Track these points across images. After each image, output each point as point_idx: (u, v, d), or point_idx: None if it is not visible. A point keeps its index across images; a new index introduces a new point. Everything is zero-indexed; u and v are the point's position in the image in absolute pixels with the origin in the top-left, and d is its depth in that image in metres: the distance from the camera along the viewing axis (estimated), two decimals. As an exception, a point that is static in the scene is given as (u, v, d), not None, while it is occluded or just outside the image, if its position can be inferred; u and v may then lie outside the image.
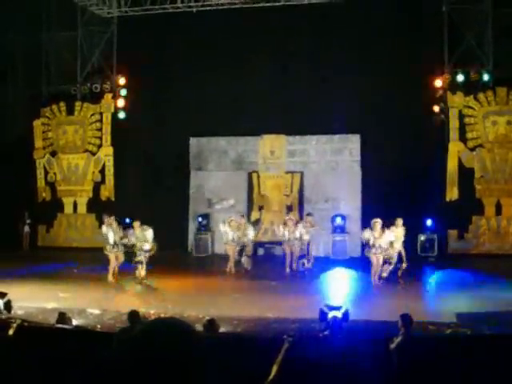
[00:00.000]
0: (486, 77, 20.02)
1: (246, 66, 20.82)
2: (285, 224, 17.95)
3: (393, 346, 9.55)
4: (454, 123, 20.32)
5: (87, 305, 13.84)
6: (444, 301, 14.20)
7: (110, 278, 16.61)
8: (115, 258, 16.59)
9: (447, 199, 20.15)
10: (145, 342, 1.83)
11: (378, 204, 19.03)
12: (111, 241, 16.62)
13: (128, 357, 1.83)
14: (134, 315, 9.74)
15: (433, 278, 17.11)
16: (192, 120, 21.03)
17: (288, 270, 17.65)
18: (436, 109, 20.22)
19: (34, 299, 14.06)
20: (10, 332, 8.88)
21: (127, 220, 18.24)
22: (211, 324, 9.32)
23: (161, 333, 1.84)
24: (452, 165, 20.33)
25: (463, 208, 19.91)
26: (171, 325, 1.89)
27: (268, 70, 20.74)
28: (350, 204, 20.92)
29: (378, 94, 19.64)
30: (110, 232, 16.64)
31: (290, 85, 20.50)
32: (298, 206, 21.41)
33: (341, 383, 5.51)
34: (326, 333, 10.32)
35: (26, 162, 23.33)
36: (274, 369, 7.86)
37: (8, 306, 11.87)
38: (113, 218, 16.92)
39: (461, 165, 20.28)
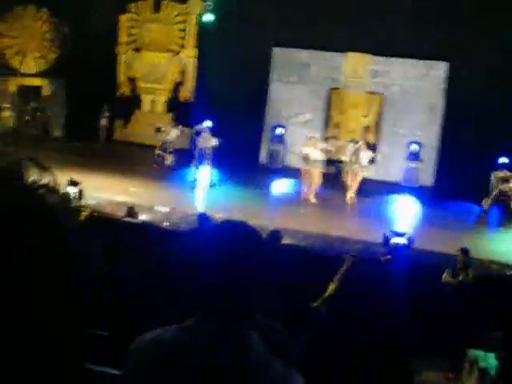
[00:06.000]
0: None
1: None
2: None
3: (451, 280, 9.53)
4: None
5: (156, 202, 14.17)
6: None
7: (311, 197, 16.85)
8: (310, 174, 16.86)
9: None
10: (214, 239, 1.90)
11: (457, 135, 18.59)
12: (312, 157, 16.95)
13: (195, 252, 1.90)
14: (203, 218, 9.96)
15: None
16: (277, 30, 20.67)
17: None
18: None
19: (105, 191, 14.43)
20: (81, 219, 9.17)
21: (204, 123, 18.47)
22: (274, 235, 9.43)
23: (231, 232, 1.91)
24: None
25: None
26: (241, 227, 1.94)
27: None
28: (429, 132, 20.49)
29: (470, 21, 18.83)
30: (312, 150, 16.98)
31: (380, 4, 19.85)
32: (375, 128, 21.11)
33: (394, 307, 5.52)
34: (387, 257, 10.36)
35: (109, 55, 23.51)
36: (332, 286, 7.96)
37: (80, 194, 12.29)
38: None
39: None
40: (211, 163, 17.69)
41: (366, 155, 17.49)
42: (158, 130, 19.49)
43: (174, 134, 19.38)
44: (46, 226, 0.87)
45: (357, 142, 17.96)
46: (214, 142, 17.79)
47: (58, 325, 0.89)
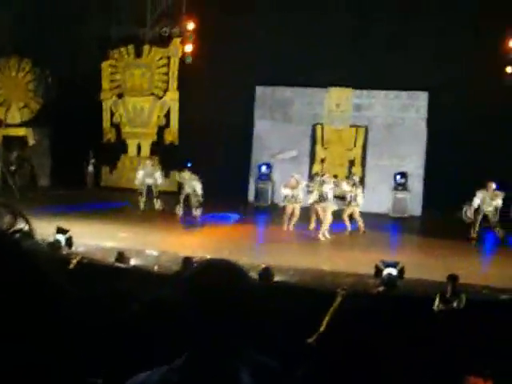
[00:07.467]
0: None
1: (317, 17, 20.44)
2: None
3: (443, 308, 9.51)
4: (526, 85, 19.62)
5: (146, 246, 14.11)
6: (502, 265, 13.98)
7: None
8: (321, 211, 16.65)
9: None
10: (198, 281, 1.88)
11: (442, 163, 18.73)
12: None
13: (181, 296, 1.89)
14: (187, 261, 9.98)
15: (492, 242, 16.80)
16: (259, 68, 20.85)
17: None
18: (509, 70, 19.59)
19: (94, 237, 14.38)
20: (71, 266, 9.12)
21: (189, 164, 18.54)
22: (266, 272, 9.42)
23: (214, 273, 1.89)
24: (523, 128, 19.68)
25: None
26: (224, 267, 1.93)
27: (339, 22, 20.35)
28: (414, 162, 20.63)
29: (449, 53, 19.13)
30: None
31: (360, 38, 20.11)
32: (361, 161, 21.24)
33: (390, 339, 5.49)
34: (380, 289, 10.34)
35: (93, 102, 23.61)
36: (326, 320, 7.92)
37: (69, 241, 12.23)
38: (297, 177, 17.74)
39: (532, 128, 19.62)
40: (200, 204, 17.72)
41: (330, 189, 16.99)
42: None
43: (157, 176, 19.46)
44: (23, 269, 0.87)
45: (323, 175, 17.75)
46: (199, 188, 17.80)
47: (46, 374, 0.89)
